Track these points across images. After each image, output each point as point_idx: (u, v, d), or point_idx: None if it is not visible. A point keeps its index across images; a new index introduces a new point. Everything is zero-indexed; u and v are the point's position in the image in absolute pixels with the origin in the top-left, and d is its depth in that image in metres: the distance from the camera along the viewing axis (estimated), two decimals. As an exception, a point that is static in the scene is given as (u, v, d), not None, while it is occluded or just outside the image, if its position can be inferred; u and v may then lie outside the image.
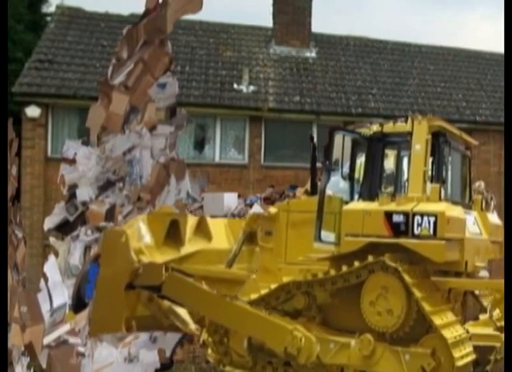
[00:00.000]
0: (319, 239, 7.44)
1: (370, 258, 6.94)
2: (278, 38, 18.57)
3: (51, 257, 10.66)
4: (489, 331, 7.58)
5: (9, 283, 9.20)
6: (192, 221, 9.37)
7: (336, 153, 7.60)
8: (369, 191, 7.51)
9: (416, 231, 6.83)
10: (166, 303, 8.45)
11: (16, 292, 9.04)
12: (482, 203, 8.42)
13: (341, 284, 7.14)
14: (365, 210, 7.12)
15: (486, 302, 8.41)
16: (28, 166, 14.74)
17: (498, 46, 44.82)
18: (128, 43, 11.97)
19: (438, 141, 7.48)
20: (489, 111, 18.48)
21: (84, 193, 11.70)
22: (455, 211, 7.13)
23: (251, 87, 16.77)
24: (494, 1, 50.04)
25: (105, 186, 11.81)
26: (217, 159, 16.30)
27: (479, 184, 10.72)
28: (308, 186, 9.68)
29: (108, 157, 11.80)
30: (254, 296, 7.56)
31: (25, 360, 8.74)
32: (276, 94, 16.84)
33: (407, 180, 7.41)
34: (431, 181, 7.32)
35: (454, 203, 7.46)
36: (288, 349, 6.96)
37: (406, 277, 6.78)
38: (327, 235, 7.43)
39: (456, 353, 6.62)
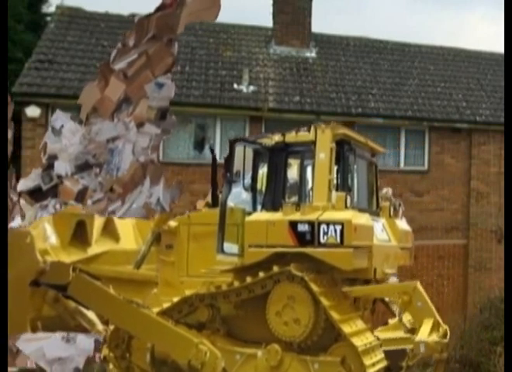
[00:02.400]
0: (221, 250, 7.38)
1: (275, 268, 6.87)
2: (278, 38, 18.57)
3: (17, 218, 10.63)
4: (400, 334, 7.60)
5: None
6: (98, 221, 9.41)
7: (237, 165, 7.56)
8: (272, 202, 7.42)
9: (323, 240, 6.77)
10: (72, 303, 8.39)
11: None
12: (390, 210, 8.37)
13: (246, 295, 7.09)
14: (269, 220, 7.04)
15: (396, 308, 8.40)
16: (28, 166, 14.72)
17: (498, 46, 44.87)
18: (137, 32, 11.89)
19: (343, 149, 7.43)
20: (489, 111, 18.48)
21: (61, 167, 11.67)
22: (362, 219, 7.08)
23: (251, 87, 16.77)
24: (494, 1, 50.04)
25: (83, 166, 11.76)
26: (217, 159, 16.28)
27: (387, 191, 10.70)
28: (209, 198, 9.59)
29: (91, 139, 11.75)
30: (156, 310, 7.44)
31: None
32: (276, 94, 16.84)
33: (312, 189, 7.34)
34: (337, 190, 7.25)
35: (361, 210, 7.41)
36: (191, 362, 6.87)
37: (313, 286, 6.74)
38: (230, 247, 7.35)
39: (367, 361, 6.61)
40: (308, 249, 6.84)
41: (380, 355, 6.90)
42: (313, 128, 7.36)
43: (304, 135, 7.48)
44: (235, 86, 16.68)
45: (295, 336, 6.82)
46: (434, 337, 6.99)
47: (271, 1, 18.53)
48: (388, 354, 7.15)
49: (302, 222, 6.87)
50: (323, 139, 7.22)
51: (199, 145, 16.48)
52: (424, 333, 6.99)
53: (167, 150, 15.97)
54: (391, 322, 8.18)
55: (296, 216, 6.95)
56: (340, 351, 6.75)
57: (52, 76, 15.36)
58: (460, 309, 16.85)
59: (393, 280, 8.35)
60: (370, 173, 8.38)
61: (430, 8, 55.42)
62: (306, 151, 7.47)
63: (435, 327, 7.23)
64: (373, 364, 6.69)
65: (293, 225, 6.89)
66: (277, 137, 7.66)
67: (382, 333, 7.67)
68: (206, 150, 16.42)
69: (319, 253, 6.81)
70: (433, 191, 17.78)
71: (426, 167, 17.78)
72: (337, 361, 6.70)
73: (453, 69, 20.14)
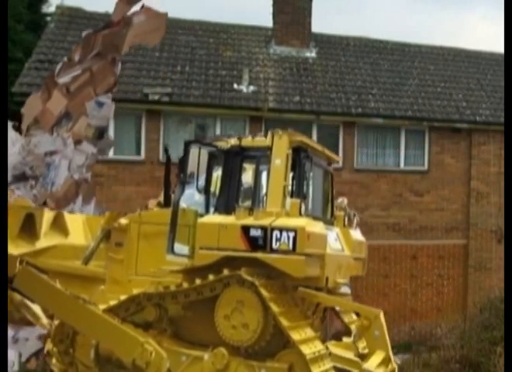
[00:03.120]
0: (172, 251, 7.34)
1: (225, 271, 6.82)
2: (278, 38, 18.57)
3: None
4: (350, 355, 7.54)
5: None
6: (48, 215, 9.30)
7: (192, 166, 7.51)
8: (226, 205, 7.38)
9: (275, 246, 6.70)
10: (18, 296, 8.32)
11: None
12: (344, 219, 8.39)
13: (195, 296, 7.03)
14: (221, 223, 6.96)
15: (346, 319, 8.41)
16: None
17: (498, 46, 44.89)
18: (83, 47, 11.86)
19: (299, 156, 7.41)
20: (489, 111, 18.48)
21: None
22: (316, 227, 7.03)
23: (251, 87, 16.77)
24: (494, 1, 50.06)
25: (20, 177, 11.72)
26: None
27: (342, 201, 10.69)
28: (161, 198, 9.56)
29: (30, 151, 11.72)
30: (102, 307, 7.37)
31: None
32: (276, 94, 16.84)
33: (266, 194, 7.28)
34: (291, 196, 7.22)
35: (316, 219, 7.37)
36: (136, 361, 6.83)
37: (263, 292, 6.67)
38: (181, 248, 7.31)
39: (315, 369, 6.57)
40: (259, 255, 6.77)
41: (328, 364, 6.84)
42: (270, 133, 7.33)
43: (261, 140, 7.48)
44: (235, 86, 16.69)
45: (242, 341, 6.75)
46: (381, 371, 7.04)
47: (271, 1, 18.55)
48: (336, 367, 7.13)
49: (254, 226, 6.79)
50: (280, 145, 7.20)
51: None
52: (373, 364, 7.05)
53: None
54: (345, 340, 8.07)
55: (249, 221, 6.88)
56: (288, 358, 6.71)
57: (52, 76, 15.36)
58: (460, 309, 16.86)
59: (345, 290, 8.34)
60: (326, 182, 8.38)
61: (430, 8, 55.49)
62: (262, 156, 7.43)
63: (385, 362, 7.28)
64: None
65: (246, 229, 6.81)
66: (233, 141, 7.63)
67: (333, 348, 7.57)
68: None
69: (270, 259, 6.74)
70: (433, 191, 17.79)
71: (426, 167, 17.78)
72: (284, 368, 6.66)
73: (453, 69, 20.13)
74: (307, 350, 6.60)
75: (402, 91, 18.40)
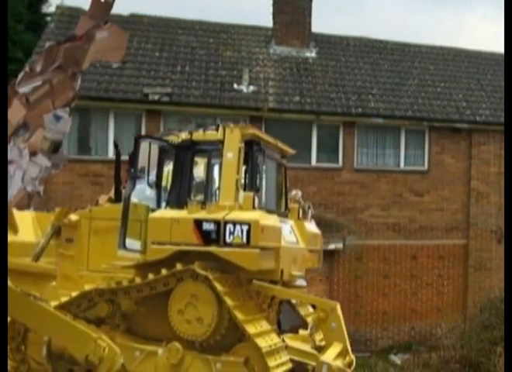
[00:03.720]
0: (123, 246, 7.30)
1: (178, 266, 6.79)
2: (278, 38, 18.57)
3: None
4: (307, 348, 7.54)
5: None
6: None
7: (142, 161, 7.47)
8: (177, 199, 7.36)
9: (229, 239, 6.69)
10: None
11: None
12: (298, 212, 8.37)
13: (148, 292, 7.00)
14: (173, 218, 6.94)
15: (302, 312, 8.39)
16: (28, 166, 14.71)
17: (498, 46, 44.91)
18: (45, 58, 11.84)
19: (252, 149, 7.42)
20: (489, 111, 18.48)
21: None
22: (270, 220, 7.02)
23: (251, 87, 16.77)
24: (494, 1, 50.09)
25: None
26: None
27: (296, 193, 10.70)
28: (112, 193, 9.51)
29: None
30: (54, 303, 7.32)
31: None
32: (276, 94, 16.84)
33: (218, 188, 7.27)
34: (244, 190, 7.20)
35: (269, 211, 7.37)
36: (89, 357, 6.79)
37: (218, 286, 6.65)
38: (132, 243, 7.29)
39: (271, 362, 6.57)
40: (213, 248, 6.76)
41: (285, 357, 6.83)
42: (221, 127, 7.34)
43: (212, 134, 7.48)
44: (235, 86, 16.69)
45: (197, 335, 6.72)
46: (339, 363, 7.02)
47: (271, 1, 18.55)
48: (293, 359, 7.13)
49: (207, 220, 6.78)
50: (232, 138, 7.21)
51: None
52: (330, 356, 7.04)
53: (167, 150, 15.97)
54: (301, 332, 8.06)
55: (202, 215, 6.86)
56: (243, 351, 6.70)
57: (52, 76, 15.35)
58: (460, 309, 16.86)
59: (301, 282, 8.29)
60: (279, 175, 8.37)
61: (430, 8, 55.50)
62: (214, 150, 7.42)
63: (342, 353, 7.28)
64: (277, 366, 6.63)
65: (198, 223, 6.80)
66: (184, 135, 7.64)
67: (290, 341, 7.56)
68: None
69: (224, 253, 6.73)
70: (433, 191, 17.79)
71: (426, 167, 17.78)
72: (240, 361, 6.66)
73: (453, 69, 20.13)
74: (263, 343, 6.58)
75: (402, 91, 18.40)
